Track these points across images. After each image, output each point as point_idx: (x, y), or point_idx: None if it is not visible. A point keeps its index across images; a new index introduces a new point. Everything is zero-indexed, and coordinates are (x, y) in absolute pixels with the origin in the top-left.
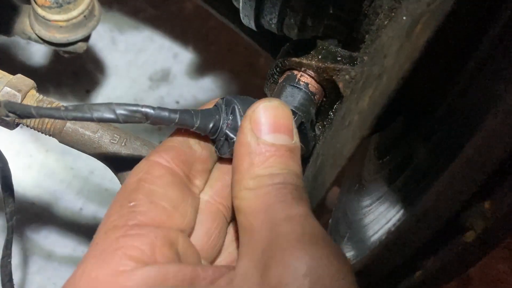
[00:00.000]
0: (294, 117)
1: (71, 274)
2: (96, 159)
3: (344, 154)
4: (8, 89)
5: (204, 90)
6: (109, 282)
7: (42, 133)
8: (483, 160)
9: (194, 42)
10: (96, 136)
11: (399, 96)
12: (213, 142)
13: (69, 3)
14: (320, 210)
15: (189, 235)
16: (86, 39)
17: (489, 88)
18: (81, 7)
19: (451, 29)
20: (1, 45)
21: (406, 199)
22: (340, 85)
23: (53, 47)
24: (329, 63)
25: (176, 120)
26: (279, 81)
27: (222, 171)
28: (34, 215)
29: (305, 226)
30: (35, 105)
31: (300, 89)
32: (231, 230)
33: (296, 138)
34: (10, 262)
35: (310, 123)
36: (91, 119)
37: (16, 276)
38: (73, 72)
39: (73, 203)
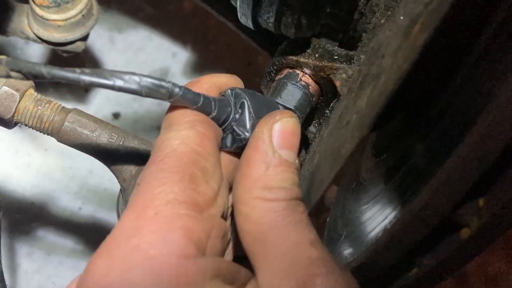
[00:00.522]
0: None
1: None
2: (95, 159)
3: (343, 154)
4: (6, 88)
5: None
6: (175, 265)
7: (40, 132)
8: (478, 158)
9: (193, 41)
10: (94, 135)
11: (396, 95)
12: None
13: (67, 2)
14: (318, 209)
15: None
16: (85, 38)
17: (483, 87)
18: (79, 7)
19: (448, 30)
20: None
21: (403, 197)
22: (337, 83)
23: (51, 47)
24: (326, 61)
25: (199, 104)
26: (278, 77)
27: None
28: (33, 214)
29: (324, 252)
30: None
31: (301, 89)
32: None
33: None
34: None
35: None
36: (111, 87)
37: (15, 275)
38: None
39: (72, 202)
